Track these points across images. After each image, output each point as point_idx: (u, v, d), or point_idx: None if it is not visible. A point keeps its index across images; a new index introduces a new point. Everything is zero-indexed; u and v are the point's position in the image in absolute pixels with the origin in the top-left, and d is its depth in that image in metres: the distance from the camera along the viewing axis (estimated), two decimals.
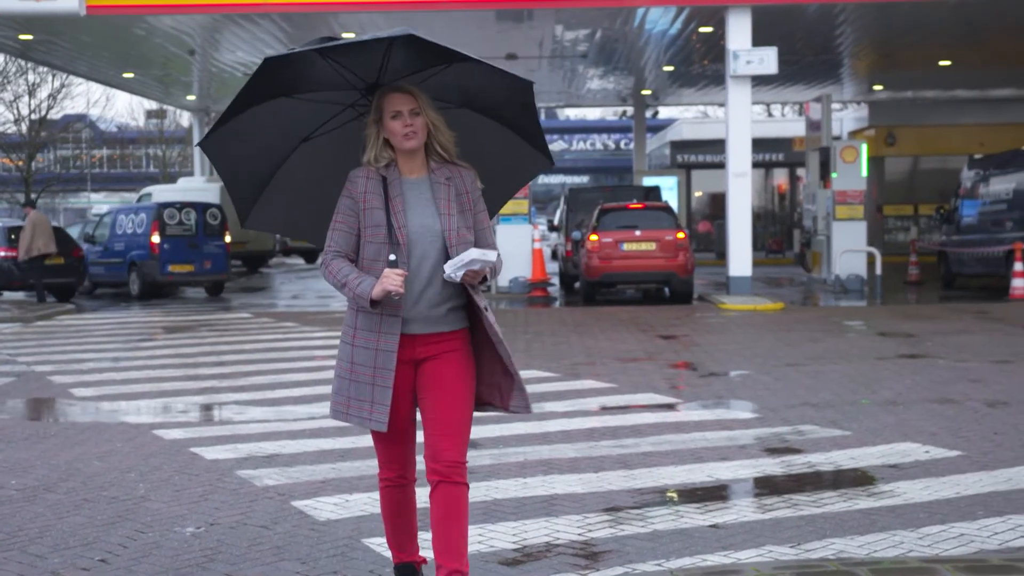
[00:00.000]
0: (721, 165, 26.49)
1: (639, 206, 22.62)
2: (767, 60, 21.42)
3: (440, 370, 4.67)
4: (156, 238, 24.97)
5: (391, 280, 4.48)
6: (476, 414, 4.86)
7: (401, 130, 4.62)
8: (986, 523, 6.25)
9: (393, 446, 4.82)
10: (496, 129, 4.89)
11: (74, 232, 28.95)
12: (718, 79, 30.67)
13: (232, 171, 4.93)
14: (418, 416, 4.84)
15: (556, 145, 68.89)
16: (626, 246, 21.37)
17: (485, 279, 4.61)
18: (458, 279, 4.50)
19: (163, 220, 25.26)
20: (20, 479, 7.75)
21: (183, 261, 25.21)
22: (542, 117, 46.24)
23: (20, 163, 46.50)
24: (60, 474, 7.88)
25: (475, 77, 4.70)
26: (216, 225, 26.01)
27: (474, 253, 4.47)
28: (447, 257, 4.61)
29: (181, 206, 25.99)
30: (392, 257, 4.56)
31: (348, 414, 4.71)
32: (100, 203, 71.40)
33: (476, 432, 8.15)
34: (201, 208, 26.03)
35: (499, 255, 4.63)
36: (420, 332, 4.66)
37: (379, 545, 5.89)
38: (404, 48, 4.54)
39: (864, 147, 25.42)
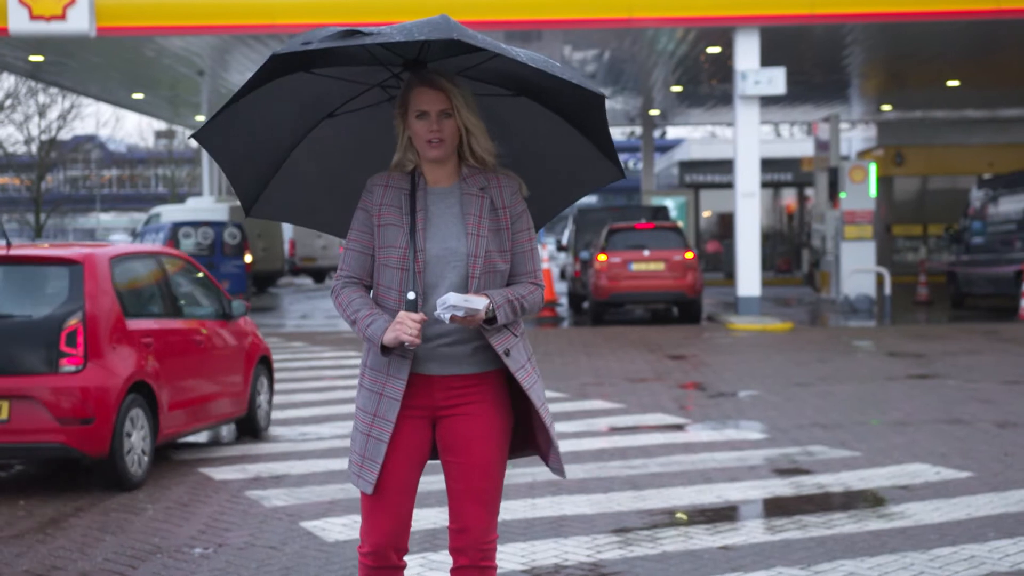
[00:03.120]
0: (730, 185, 26.47)
1: (648, 226, 22.61)
2: (775, 80, 21.43)
3: (468, 430, 3.86)
4: None
5: (405, 328, 3.68)
6: None
7: (425, 135, 3.79)
8: (997, 545, 6.22)
9: (377, 515, 3.85)
10: (559, 124, 4.01)
11: None
12: (726, 99, 30.69)
13: (235, 153, 4.07)
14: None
15: None
16: (635, 266, 21.35)
17: (493, 320, 3.77)
18: (447, 320, 3.69)
19: (178, 239, 25.09)
20: (27, 500, 7.75)
21: None
22: None
23: (30, 183, 46.68)
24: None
25: (535, 76, 3.79)
26: (235, 245, 25.63)
27: (453, 299, 3.65)
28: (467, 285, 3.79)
29: (197, 225, 25.71)
30: (412, 296, 3.74)
31: (350, 471, 3.94)
32: (110, 223, 71.62)
33: None
34: (219, 227, 25.72)
35: (533, 292, 3.86)
36: (438, 374, 3.83)
37: None
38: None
39: (873, 167, 25.44)
